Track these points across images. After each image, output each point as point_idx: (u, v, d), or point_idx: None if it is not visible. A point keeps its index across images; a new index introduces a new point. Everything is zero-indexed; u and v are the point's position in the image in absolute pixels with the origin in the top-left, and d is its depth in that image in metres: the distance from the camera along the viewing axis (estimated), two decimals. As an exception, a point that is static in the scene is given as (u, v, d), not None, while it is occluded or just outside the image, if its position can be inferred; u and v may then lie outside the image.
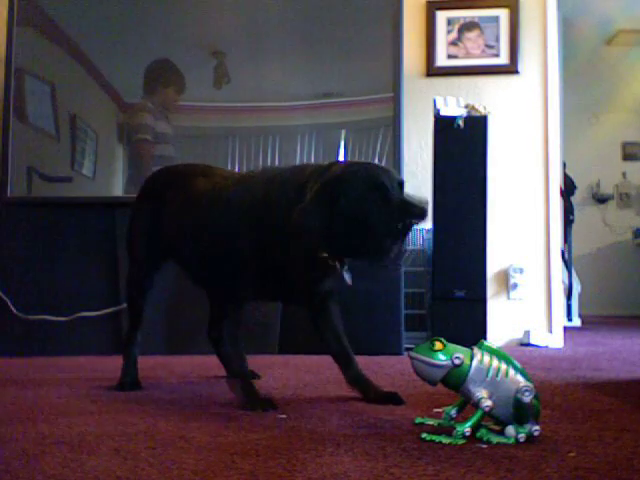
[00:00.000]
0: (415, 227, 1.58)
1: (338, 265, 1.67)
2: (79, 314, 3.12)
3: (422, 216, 1.52)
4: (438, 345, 1.31)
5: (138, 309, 2.11)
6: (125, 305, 2.82)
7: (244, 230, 1.75)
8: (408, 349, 1.40)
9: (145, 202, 2.14)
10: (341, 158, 3.23)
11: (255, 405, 1.62)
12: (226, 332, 1.80)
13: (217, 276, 1.85)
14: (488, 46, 3.68)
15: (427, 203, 1.55)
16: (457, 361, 1.29)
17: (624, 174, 8.40)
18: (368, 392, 1.77)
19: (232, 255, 1.77)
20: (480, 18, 3.69)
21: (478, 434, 1.28)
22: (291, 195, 1.65)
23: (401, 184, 1.59)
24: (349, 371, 1.82)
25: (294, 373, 2.20)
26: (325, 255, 1.63)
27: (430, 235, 3.31)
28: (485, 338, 1.29)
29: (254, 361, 2.15)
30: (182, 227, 1.98)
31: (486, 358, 1.31)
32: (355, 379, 1.81)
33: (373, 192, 1.53)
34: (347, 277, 1.71)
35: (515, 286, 3.57)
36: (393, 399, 1.72)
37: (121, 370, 2.05)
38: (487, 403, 1.27)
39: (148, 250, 2.10)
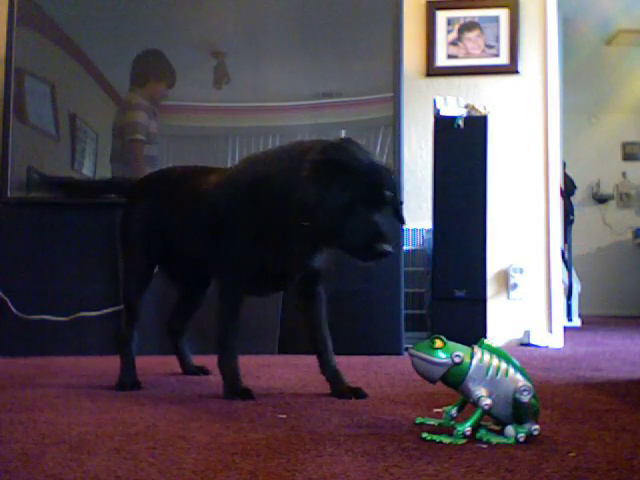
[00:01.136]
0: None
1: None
2: (79, 314, 3.12)
3: (381, 256, 1.56)
4: (438, 343, 1.31)
5: (136, 308, 2.13)
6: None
7: (245, 202, 1.80)
8: (408, 349, 1.40)
9: (142, 202, 2.18)
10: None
11: (234, 394, 1.76)
12: (224, 325, 1.86)
13: (220, 256, 1.90)
14: (488, 46, 3.68)
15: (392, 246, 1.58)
16: (457, 359, 1.29)
17: (624, 174, 8.41)
18: (336, 384, 1.86)
19: (235, 230, 1.83)
20: (480, 18, 3.69)
21: (478, 434, 1.28)
22: (287, 165, 1.71)
23: (393, 187, 1.63)
24: (322, 359, 1.90)
25: (294, 373, 2.20)
26: (307, 224, 1.64)
27: (430, 235, 3.31)
28: (485, 338, 1.30)
29: (254, 361, 2.15)
30: (186, 217, 2.03)
31: (486, 357, 1.31)
32: (327, 369, 1.89)
33: (360, 200, 1.57)
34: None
35: (515, 286, 3.57)
36: (357, 393, 1.80)
37: (120, 370, 2.06)
38: (486, 402, 1.27)
39: (146, 250, 2.13)
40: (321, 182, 1.58)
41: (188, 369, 2.34)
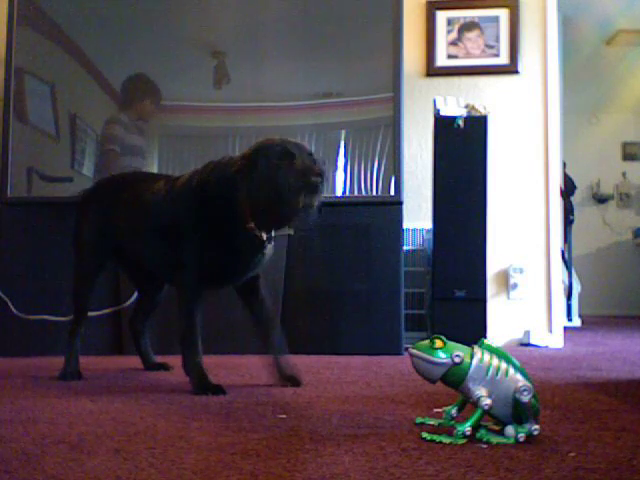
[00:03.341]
0: (319, 195, 1.75)
1: (265, 236, 1.89)
2: (79, 314, 3.12)
3: (319, 175, 1.73)
4: (438, 343, 1.31)
5: (84, 304, 2.32)
6: (130, 302, 2.93)
7: (187, 210, 1.96)
8: (408, 349, 1.40)
9: (93, 205, 2.34)
10: (341, 158, 3.23)
11: (205, 390, 1.84)
12: (185, 325, 1.96)
13: (169, 261, 2.04)
14: (488, 46, 3.68)
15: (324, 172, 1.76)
16: (457, 359, 1.29)
17: (624, 174, 8.40)
18: (276, 368, 2.02)
19: (180, 236, 1.98)
20: (480, 18, 3.69)
21: (478, 434, 1.28)
22: (225, 173, 1.87)
23: (310, 153, 1.81)
24: (266, 342, 2.06)
25: (294, 373, 2.20)
26: (252, 225, 1.85)
27: (430, 235, 3.31)
28: (485, 338, 1.31)
29: (254, 361, 2.15)
30: (136, 221, 2.16)
31: (486, 357, 1.31)
32: (268, 350, 2.05)
33: (282, 160, 1.76)
34: (269, 248, 1.96)
35: (515, 286, 3.57)
36: (293, 380, 1.99)
37: (64, 361, 2.24)
38: (486, 402, 1.27)
39: (94, 252, 2.30)
40: (250, 167, 1.78)
41: (149, 365, 2.47)
